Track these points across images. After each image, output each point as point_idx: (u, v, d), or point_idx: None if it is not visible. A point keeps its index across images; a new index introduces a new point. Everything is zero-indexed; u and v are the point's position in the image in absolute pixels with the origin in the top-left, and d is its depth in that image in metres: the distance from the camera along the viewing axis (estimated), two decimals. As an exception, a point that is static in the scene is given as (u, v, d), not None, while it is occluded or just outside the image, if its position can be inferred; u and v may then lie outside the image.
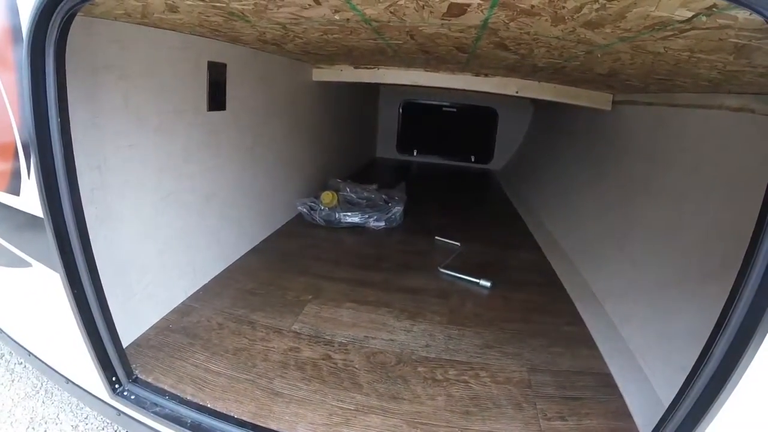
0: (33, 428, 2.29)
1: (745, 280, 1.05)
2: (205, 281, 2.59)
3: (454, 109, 7.03)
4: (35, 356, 2.07)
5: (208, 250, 2.64)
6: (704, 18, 1.02)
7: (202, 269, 2.58)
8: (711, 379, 1.14)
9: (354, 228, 3.73)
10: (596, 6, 1.12)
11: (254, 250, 3.14)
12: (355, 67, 3.80)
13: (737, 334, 1.08)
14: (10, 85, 1.48)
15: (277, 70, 3.32)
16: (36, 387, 2.57)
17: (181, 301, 2.37)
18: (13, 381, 2.60)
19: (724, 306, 1.12)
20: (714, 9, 0.96)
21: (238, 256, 2.97)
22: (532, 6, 1.21)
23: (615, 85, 2.84)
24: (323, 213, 3.70)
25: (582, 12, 1.20)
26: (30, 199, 1.50)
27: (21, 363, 2.74)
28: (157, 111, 2.11)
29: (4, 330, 2.24)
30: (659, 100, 2.67)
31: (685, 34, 1.19)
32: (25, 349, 2.12)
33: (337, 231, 3.68)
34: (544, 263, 3.24)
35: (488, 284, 2.75)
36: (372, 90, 6.86)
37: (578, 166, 4.02)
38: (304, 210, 3.73)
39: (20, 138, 1.49)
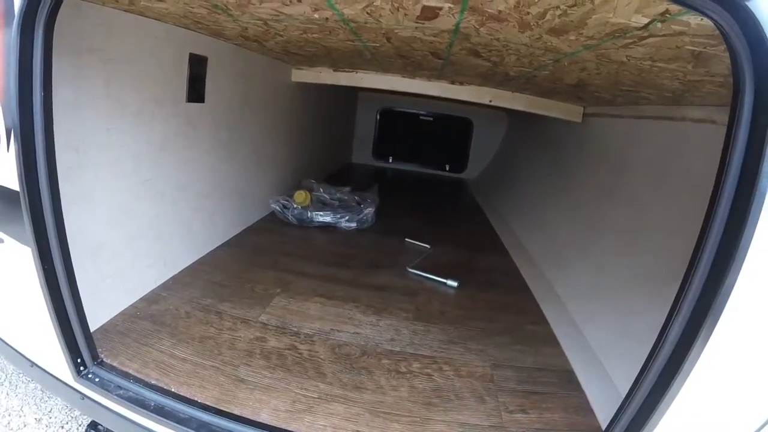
0: (-5, 420, 2.24)
1: (691, 278, 1.14)
2: (175, 272, 2.60)
3: (431, 118, 7.14)
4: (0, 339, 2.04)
5: (180, 240, 2.66)
6: (659, 24, 1.11)
7: (172, 259, 2.60)
8: (663, 370, 1.22)
9: (326, 227, 3.78)
10: (558, 12, 1.21)
11: (226, 244, 3.17)
12: (334, 70, 3.87)
13: (685, 328, 1.16)
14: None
15: (257, 68, 3.36)
16: (0, 379, 2.54)
17: (151, 289, 2.39)
18: (-24, 374, 2.53)
19: (672, 302, 1.21)
20: (667, 15, 1.05)
21: (210, 249, 2.99)
22: (500, 11, 1.30)
23: (585, 97, 2.97)
24: (296, 212, 3.73)
25: (546, 18, 1.29)
26: (6, 173, 1.50)
27: (-16, 355, 2.66)
28: (137, 97, 2.13)
29: None
30: (626, 113, 2.82)
31: (643, 42, 1.29)
32: None
33: (309, 230, 3.72)
34: (510, 266, 3.35)
35: (455, 284, 2.84)
36: (350, 95, 6.94)
37: (548, 175, 4.17)
38: (277, 208, 3.76)
39: (1, 112, 1.50)
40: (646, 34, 1.22)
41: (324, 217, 3.76)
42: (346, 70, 3.79)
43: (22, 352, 1.95)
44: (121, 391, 1.66)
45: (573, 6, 1.13)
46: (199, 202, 2.83)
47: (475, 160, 7.25)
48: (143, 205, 2.30)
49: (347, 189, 4.31)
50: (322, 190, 4.13)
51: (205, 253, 2.93)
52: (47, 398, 2.40)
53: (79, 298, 1.64)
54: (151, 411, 1.58)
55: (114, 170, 2.04)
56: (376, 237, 3.77)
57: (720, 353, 1.12)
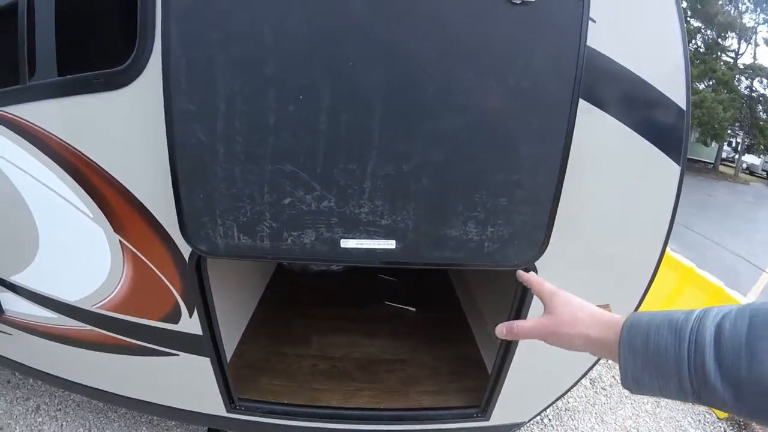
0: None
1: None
2: (242, 330, 4.05)
3: None
4: (168, 407, 3.04)
5: (240, 310, 4.13)
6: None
7: (238, 323, 4.05)
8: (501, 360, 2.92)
9: (322, 273, 5.17)
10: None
11: (262, 300, 4.55)
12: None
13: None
14: (170, 270, 2.43)
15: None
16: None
17: (235, 346, 3.80)
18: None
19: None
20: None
21: (254, 307, 4.41)
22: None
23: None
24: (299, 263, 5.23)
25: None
26: (189, 326, 2.54)
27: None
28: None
29: (141, 398, 3.08)
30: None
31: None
32: (157, 404, 3.03)
33: (311, 276, 5.07)
34: (451, 292, 4.81)
35: (413, 309, 4.32)
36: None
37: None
38: (285, 263, 5.20)
39: (182, 299, 2.47)
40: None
41: (319, 267, 5.21)
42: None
43: (186, 409, 3.01)
44: (259, 408, 3.09)
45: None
46: (252, 281, 4.37)
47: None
48: (223, 304, 3.79)
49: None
50: (312, 241, 5.62)
51: (252, 311, 4.34)
52: (202, 425, 3.54)
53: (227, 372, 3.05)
54: (281, 414, 3.08)
55: (222, 294, 3.48)
56: (359, 276, 4.98)
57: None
